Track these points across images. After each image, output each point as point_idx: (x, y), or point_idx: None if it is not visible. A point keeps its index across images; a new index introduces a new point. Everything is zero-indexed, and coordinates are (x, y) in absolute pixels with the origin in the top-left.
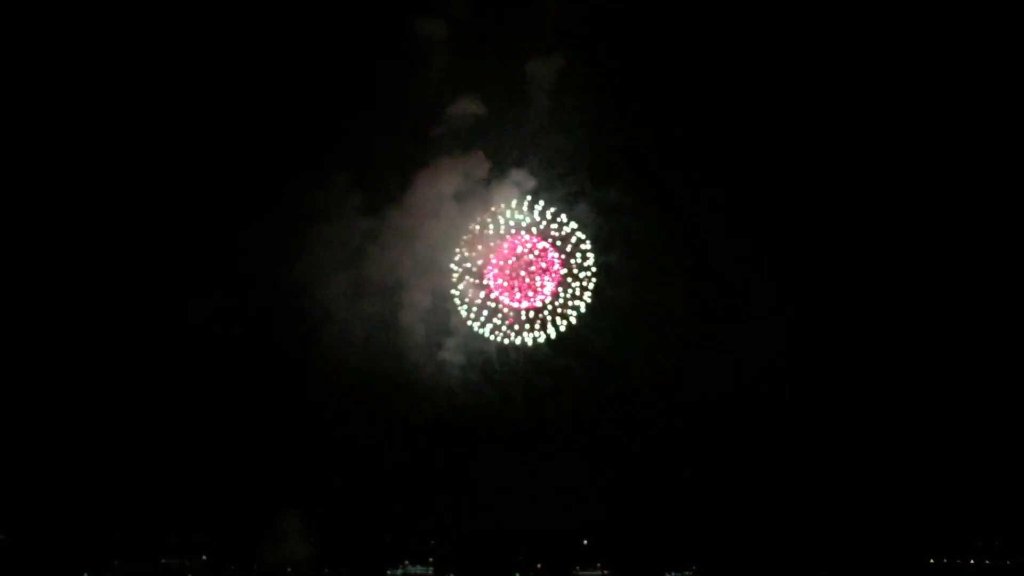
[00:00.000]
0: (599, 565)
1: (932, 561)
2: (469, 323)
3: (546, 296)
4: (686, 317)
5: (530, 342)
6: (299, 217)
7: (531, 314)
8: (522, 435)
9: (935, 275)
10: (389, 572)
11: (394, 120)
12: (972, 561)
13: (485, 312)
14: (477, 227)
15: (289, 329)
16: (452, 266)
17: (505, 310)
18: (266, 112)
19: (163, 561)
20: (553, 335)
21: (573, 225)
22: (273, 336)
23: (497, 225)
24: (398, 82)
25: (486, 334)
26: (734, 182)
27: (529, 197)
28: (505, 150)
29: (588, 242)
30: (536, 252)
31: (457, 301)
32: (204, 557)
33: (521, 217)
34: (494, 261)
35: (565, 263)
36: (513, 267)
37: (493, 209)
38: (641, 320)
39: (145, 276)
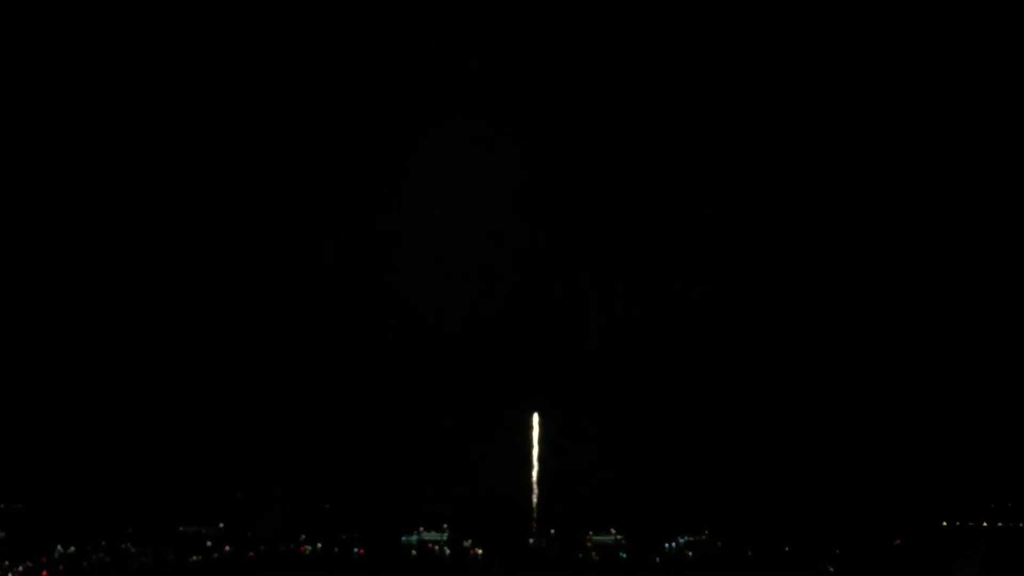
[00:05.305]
0: (612, 530)
1: (944, 524)
2: None
3: None
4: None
5: None
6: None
7: None
8: (535, 403)
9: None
10: (404, 538)
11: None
12: (985, 524)
13: None
14: None
15: (299, 300)
16: None
17: None
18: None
19: (181, 529)
20: None
21: None
22: (282, 307)
23: None
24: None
25: None
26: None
27: None
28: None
29: None
30: None
31: None
32: (221, 525)
33: None
34: None
35: None
36: None
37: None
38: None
39: (147, 255)
